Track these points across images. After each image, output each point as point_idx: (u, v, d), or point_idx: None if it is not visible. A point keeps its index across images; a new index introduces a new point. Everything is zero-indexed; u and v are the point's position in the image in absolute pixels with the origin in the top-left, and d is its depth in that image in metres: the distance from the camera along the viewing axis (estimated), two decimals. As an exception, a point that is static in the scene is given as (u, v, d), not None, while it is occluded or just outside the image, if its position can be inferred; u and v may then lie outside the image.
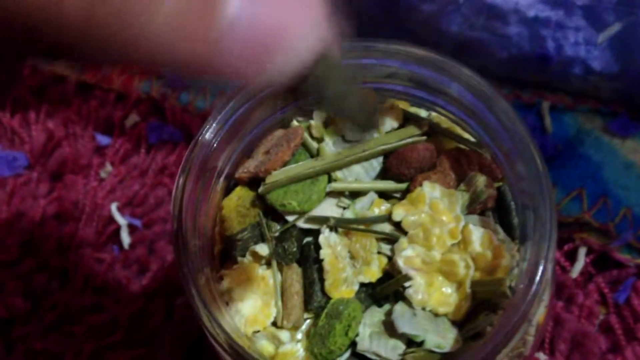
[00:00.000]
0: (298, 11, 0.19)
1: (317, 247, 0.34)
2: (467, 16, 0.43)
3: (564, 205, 0.44)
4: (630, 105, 0.45)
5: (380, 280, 0.34)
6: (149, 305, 0.45)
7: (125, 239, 0.47)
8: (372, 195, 0.35)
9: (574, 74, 0.44)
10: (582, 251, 0.44)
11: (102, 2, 0.17)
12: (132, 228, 0.47)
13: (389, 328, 0.33)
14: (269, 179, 0.35)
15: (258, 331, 0.34)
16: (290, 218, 0.35)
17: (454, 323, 0.33)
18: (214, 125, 0.34)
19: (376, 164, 0.36)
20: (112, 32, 0.17)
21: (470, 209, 0.34)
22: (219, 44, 0.18)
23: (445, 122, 0.36)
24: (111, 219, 0.47)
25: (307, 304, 0.34)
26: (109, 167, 0.49)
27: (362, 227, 0.34)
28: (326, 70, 0.21)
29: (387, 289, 0.34)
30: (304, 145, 0.36)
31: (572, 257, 0.44)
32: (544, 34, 0.43)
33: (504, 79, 0.47)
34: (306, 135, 0.35)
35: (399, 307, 0.33)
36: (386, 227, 0.34)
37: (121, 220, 0.47)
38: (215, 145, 0.34)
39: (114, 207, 0.47)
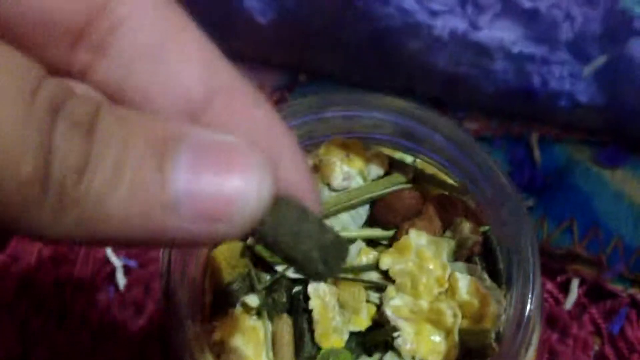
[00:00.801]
0: (245, 180, 0.20)
1: (307, 297, 0.34)
2: (454, 53, 0.43)
3: (555, 237, 0.44)
4: (619, 135, 0.45)
5: (370, 329, 0.34)
6: (146, 347, 0.45)
7: (121, 280, 0.47)
8: (359, 244, 0.35)
9: (561, 106, 0.44)
10: (575, 282, 0.44)
11: (69, 195, 0.19)
12: (127, 269, 0.47)
13: (380, 379, 0.33)
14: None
15: (250, 383, 0.34)
16: (279, 268, 0.35)
17: (444, 372, 0.33)
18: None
19: (363, 211, 0.36)
20: (75, 222, 0.19)
21: (456, 256, 0.35)
22: (173, 212, 0.19)
23: (430, 169, 0.36)
24: (107, 260, 0.48)
25: (297, 354, 0.34)
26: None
27: (350, 276, 0.35)
28: (274, 222, 0.22)
29: (376, 338, 0.34)
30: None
31: (565, 288, 0.44)
32: (529, 69, 0.43)
33: (492, 112, 0.47)
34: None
35: (389, 357, 0.33)
36: (374, 276, 0.35)
37: (116, 261, 0.47)
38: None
39: (109, 248, 0.48)
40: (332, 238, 0.23)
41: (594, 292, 0.44)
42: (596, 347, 0.43)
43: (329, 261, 0.23)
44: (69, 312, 0.46)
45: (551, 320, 0.44)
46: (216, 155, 0.20)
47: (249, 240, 0.35)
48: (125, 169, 0.19)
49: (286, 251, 0.22)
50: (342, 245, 0.23)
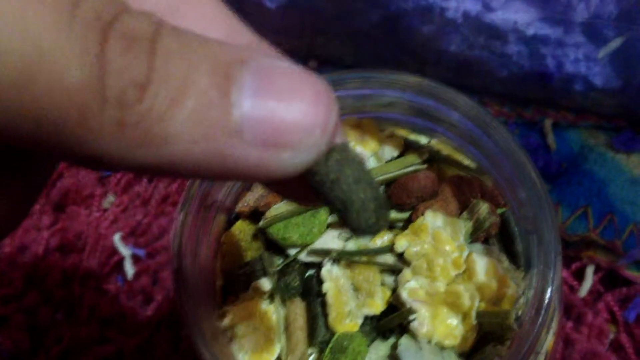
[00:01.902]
0: (312, 106, 0.19)
1: (320, 280, 0.34)
2: (467, 36, 0.42)
3: (570, 224, 0.44)
4: (634, 120, 0.45)
5: (384, 313, 0.34)
6: (154, 336, 0.45)
7: (129, 269, 0.47)
8: (374, 226, 0.35)
9: (576, 90, 0.44)
10: (590, 270, 0.43)
11: (130, 111, 0.18)
12: (135, 258, 0.47)
13: (395, 362, 0.32)
14: (270, 213, 0.35)
15: (262, 368, 0.34)
16: (291, 252, 0.35)
17: (461, 355, 0.33)
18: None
19: (377, 193, 0.35)
20: (137, 141, 0.18)
21: (473, 238, 0.34)
22: (236, 137, 0.19)
23: (445, 149, 0.35)
24: (114, 250, 0.47)
25: (311, 339, 0.34)
26: (111, 197, 0.49)
27: (364, 259, 0.34)
28: (339, 157, 0.21)
29: (392, 321, 0.33)
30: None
31: (580, 275, 0.44)
32: (543, 51, 0.42)
33: (505, 97, 0.46)
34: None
35: (404, 341, 0.33)
36: (389, 259, 0.34)
37: (124, 250, 0.47)
38: (214, 179, 0.34)
39: (117, 237, 0.47)
40: (382, 194, 0.22)
41: (610, 279, 0.44)
42: (612, 335, 0.43)
43: (380, 216, 0.22)
44: (78, 302, 0.46)
45: (566, 307, 0.43)
46: (281, 80, 0.19)
47: (261, 223, 0.35)
48: (189, 90, 0.18)
49: (345, 194, 0.21)
50: (387, 204, 0.23)
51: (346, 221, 0.22)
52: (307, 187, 0.22)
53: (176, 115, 0.18)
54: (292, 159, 0.20)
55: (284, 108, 0.19)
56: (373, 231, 0.22)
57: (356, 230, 0.22)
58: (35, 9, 0.17)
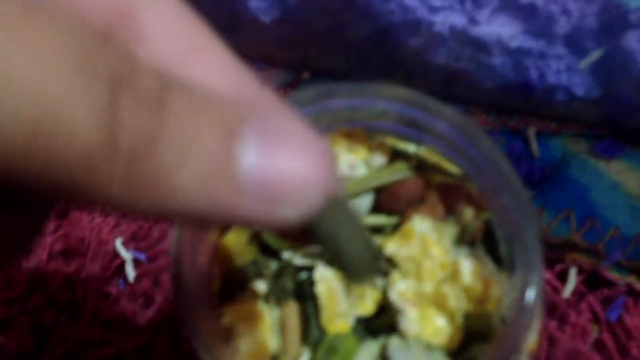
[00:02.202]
0: (311, 165, 0.20)
1: (313, 282, 0.35)
2: (453, 49, 0.44)
3: (553, 227, 0.45)
4: (614, 128, 0.46)
5: (375, 314, 0.35)
6: (155, 338, 0.45)
7: (130, 272, 0.48)
8: (364, 231, 0.36)
9: (558, 100, 0.45)
10: (572, 271, 0.45)
11: (140, 169, 0.19)
12: (136, 262, 0.48)
13: (385, 362, 0.34)
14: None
15: (258, 367, 0.35)
16: (285, 255, 0.36)
17: (448, 354, 0.34)
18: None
19: (367, 199, 0.36)
20: (145, 193, 0.19)
21: (459, 241, 0.35)
22: (240, 192, 0.20)
23: (432, 157, 0.37)
24: (116, 254, 0.48)
25: (304, 339, 0.35)
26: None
27: (355, 262, 0.35)
28: (336, 212, 0.22)
29: (382, 322, 0.34)
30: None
31: (563, 277, 0.45)
32: (526, 63, 0.43)
33: (491, 106, 0.48)
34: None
35: (394, 341, 0.34)
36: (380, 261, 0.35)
37: (126, 254, 0.48)
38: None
39: (118, 242, 0.48)
40: (376, 248, 0.24)
41: (592, 281, 0.45)
42: (594, 335, 0.44)
43: (373, 268, 0.24)
44: (80, 305, 0.47)
45: (550, 308, 0.44)
46: (283, 139, 0.20)
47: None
48: (196, 147, 0.19)
49: (341, 245, 0.23)
50: (381, 255, 0.24)
51: (342, 270, 0.23)
52: (306, 232, 0.23)
53: (183, 170, 0.19)
54: (291, 215, 0.20)
55: (285, 166, 0.20)
56: (366, 280, 0.23)
57: (350, 279, 0.23)
58: (49, 65, 0.17)
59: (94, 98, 0.18)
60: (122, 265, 0.48)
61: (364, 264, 0.23)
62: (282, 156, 0.20)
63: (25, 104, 0.17)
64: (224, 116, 0.20)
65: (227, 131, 0.20)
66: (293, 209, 0.20)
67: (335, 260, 0.23)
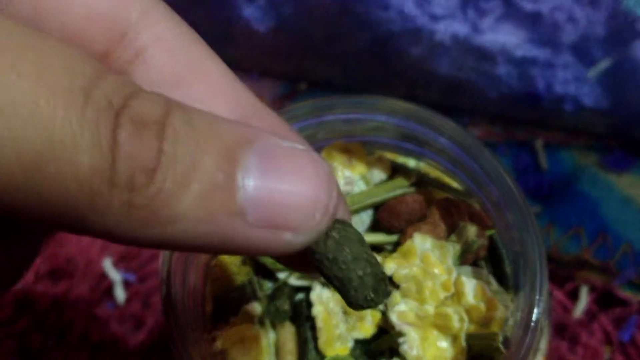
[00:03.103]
0: (313, 189, 0.20)
1: (310, 304, 0.34)
2: (456, 58, 0.43)
3: (563, 244, 0.44)
4: (624, 139, 0.45)
5: (374, 336, 0.34)
6: (146, 362, 0.45)
7: (120, 294, 0.47)
8: (363, 249, 0.35)
9: (566, 110, 0.44)
10: (584, 290, 0.44)
11: (139, 194, 0.19)
12: (126, 283, 0.47)
13: (386, 387, 0.32)
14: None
15: (252, 393, 0.34)
16: (281, 275, 0.35)
17: (451, 378, 0.33)
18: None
19: (366, 216, 0.36)
20: (144, 222, 0.19)
21: (462, 260, 0.34)
22: (239, 218, 0.20)
23: (433, 172, 0.36)
24: (105, 275, 0.47)
25: (301, 363, 0.34)
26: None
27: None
28: (338, 240, 0.22)
29: (382, 344, 0.33)
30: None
31: (574, 296, 0.44)
32: (532, 73, 0.43)
33: (496, 117, 0.47)
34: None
35: (394, 364, 0.33)
36: (378, 282, 0.34)
37: (115, 275, 0.47)
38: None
39: (108, 262, 0.48)
40: (381, 269, 0.23)
41: (604, 300, 0.44)
42: (606, 356, 0.43)
43: (378, 291, 0.23)
44: (68, 328, 0.46)
45: (560, 328, 0.43)
46: (284, 162, 0.20)
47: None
48: (196, 172, 0.19)
49: (343, 271, 0.22)
50: (387, 280, 0.23)
51: (345, 297, 0.23)
52: (306, 258, 0.22)
53: (183, 197, 0.19)
54: (292, 240, 0.20)
55: (285, 191, 0.20)
56: (371, 306, 0.23)
57: (354, 306, 0.23)
58: (48, 97, 0.17)
59: (94, 129, 0.18)
60: (111, 287, 0.47)
61: (368, 290, 0.23)
62: (282, 180, 0.20)
63: (25, 138, 0.17)
64: (224, 141, 0.20)
65: (227, 156, 0.20)
66: (294, 235, 0.20)
67: (337, 287, 0.23)
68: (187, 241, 0.20)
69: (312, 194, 0.20)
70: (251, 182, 0.20)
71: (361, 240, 0.23)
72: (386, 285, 0.23)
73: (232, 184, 0.19)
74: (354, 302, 0.23)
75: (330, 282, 0.22)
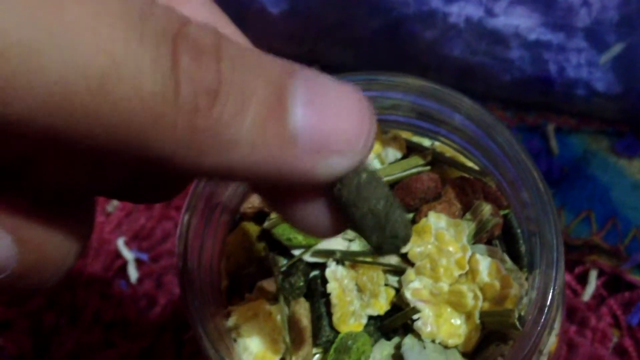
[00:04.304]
0: (358, 116, 0.21)
1: (324, 280, 0.34)
2: (469, 41, 0.43)
3: (573, 228, 0.44)
4: (636, 125, 0.45)
5: (388, 313, 0.34)
6: (158, 341, 0.45)
7: (133, 273, 0.47)
8: (378, 227, 0.35)
9: (578, 95, 0.44)
10: (593, 274, 0.44)
11: (203, 116, 0.19)
12: (139, 262, 0.47)
13: (399, 362, 0.33)
14: (275, 214, 0.35)
15: (267, 368, 0.34)
16: (296, 252, 0.35)
17: (464, 354, 0.33)
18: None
19: (381, 195, 0.35)
20: (205, 146, 0.20)
21: (476, 238, 0.34)
22: (292, 143, 0.20)
23: (448, 151, 0.36)
24: (118, 254, 0.47)
25: (315, 339, 0.34)
26: (115, 202, 0.49)
27: (368, 259, 0.34)
28: (368, 179, 0.23)
29: (396, 321, 0.33)
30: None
31: (583, 279, 0.44)
32: (545, 57, 0.43)
33: (507, 101, 0.47)
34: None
35: (408, 340, 0.33)
36: (393, 259, 0.34)
37: (128, 255, 0.47)
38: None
39: (120, 241, 0.48)
40: (405, 213, 0.24)
41: (613, 283, 0.44)
42: (615, 339, 0.43)
43: (406, 234, 0.23)
44: (81, 307, 0.46)
45: (569, 311, 0.43)
46: (329, 91, 0.21)
47: (265, 224, 0.35)
48: (252, 99, 0.20)
49: (375, 209, 0.23)
50: (410, 225, 0.24)
51: (370, 239, 0.23)
52: (322, 217, 0.23)
53: (241, 122, 0.20)
54: (338, 164, 0.21)
55: (334, 117, 0.21)
56: (396, 249, 0.23)
57: (380, 247, 0.23)
58: (108, 25, 0.18)
59: (154, 54, 0.18)
60: (124, 266, 0.47)
61: (396, 231, 0.23)
62: (330, 107, 0.21)
63: (90, 64, 0.18)
64: (272, 70, 0.20)
65: (277, 85, 0.20)
66: (340, 158, 0.21)
67: (364, 228, 0.23)
68: (243, 167, 0.20)
69: (358, 120, 0.21)
70: (300, 109, 0.20)
71: (387, 184, 0.23)
72: (409, 230, 0.23)
73: (283, 110, 0.20)
74: (381, 242, 0.23)
75: (355, 224, 0.23)
